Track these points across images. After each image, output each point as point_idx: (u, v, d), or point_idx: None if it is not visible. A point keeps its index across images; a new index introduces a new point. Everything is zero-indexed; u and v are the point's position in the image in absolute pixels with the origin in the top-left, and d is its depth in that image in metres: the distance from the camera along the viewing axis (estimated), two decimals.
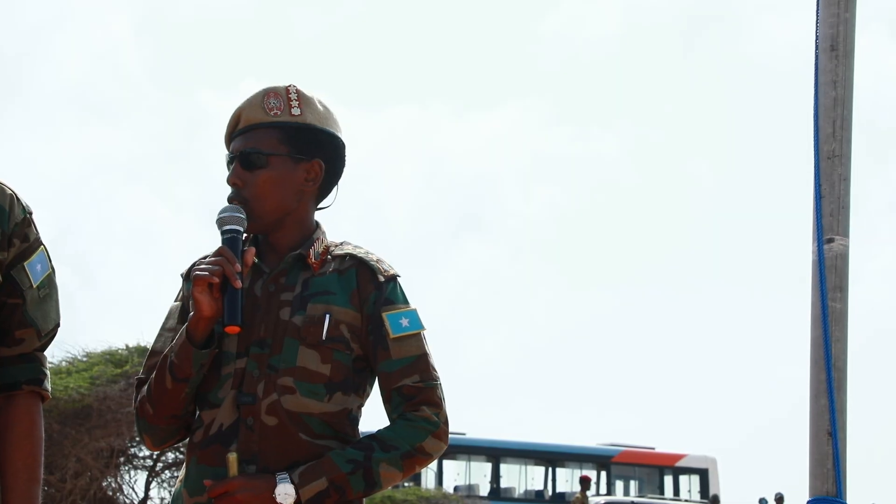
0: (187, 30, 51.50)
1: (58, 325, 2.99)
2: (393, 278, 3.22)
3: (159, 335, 3.23)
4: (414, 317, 3.20)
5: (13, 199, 2.94)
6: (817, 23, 4.11)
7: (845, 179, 3.99)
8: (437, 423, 3.13)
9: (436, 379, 3.17)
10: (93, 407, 16.02)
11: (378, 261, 3.23)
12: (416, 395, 3.13)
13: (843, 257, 3.95)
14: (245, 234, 3.18)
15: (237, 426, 3.08)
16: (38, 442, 2.92)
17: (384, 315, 3.16)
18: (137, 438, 17.23)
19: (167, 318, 3.25)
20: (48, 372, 2.97)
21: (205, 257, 3.17)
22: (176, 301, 3.26)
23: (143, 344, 17.30)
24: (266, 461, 3.06)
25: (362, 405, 3.23)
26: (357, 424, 3.20)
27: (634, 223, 49.04)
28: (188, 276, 3.23)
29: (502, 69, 51.31)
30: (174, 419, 3.14)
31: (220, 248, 3.07)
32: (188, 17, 51.03)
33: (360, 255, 3.22)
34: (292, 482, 3.01)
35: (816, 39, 4.10)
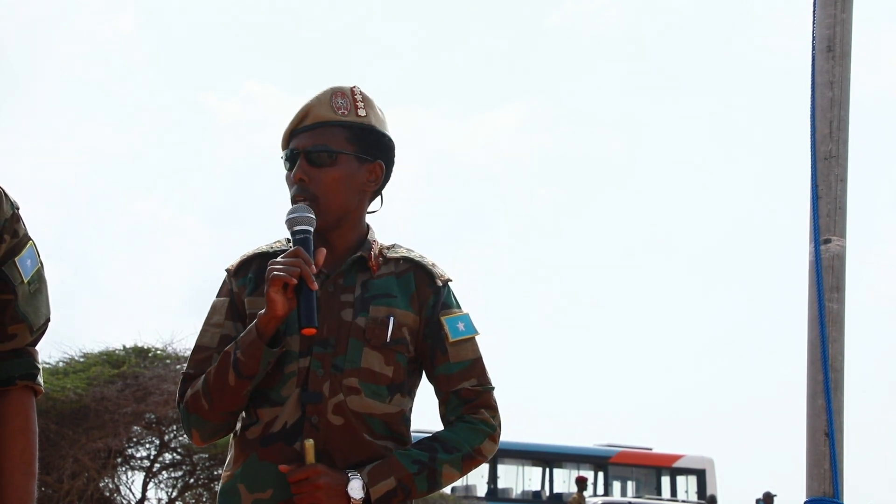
0: (191, 29, 51.51)
1: (48, 320, 2.99)
2: (447, 283, 3.28)
3: (204, 330, 3.22)
4: (468, 321, 3.26)
5: (1, 196, 2.93)
6: (814, 24, 4.12)
7: (842, 180, 3.99)
8: (495, 427, 3.22)
9: (491, 383, 3.25)
10: (90, 407, 16.01)
11: (433, 265, 3.27)
12: (475, 398, 3.21)
13: (840, 258, 3.96)
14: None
15: (301, 424, 3.10)
16: (33, 436, 2.92)
17: (443, 319, 3.22)
18: (135, 439, 17.28)
19: (211, 314, 3.23)
20: (40, 367, 2.97)
21: (275, 254, 3.17)
22: (221, 297, 3.24)
23: (140, 344, 17.29)
24: (330, 459, 3.10)
25: (412, 406, 3.27)
26: (409, 425, 3.25)
27: (632, 224, 49.09)
28: (236, 273, 3.23)
29: (506, 68, 51.35)
30: (230, 415, 3.14)
31: (296, 249, 3.05)
32: (192, 16, 51.06)
33: (415, 258, 3.27)
34: (362, 480, 3.06)
35: (813, 40, 4.11)
